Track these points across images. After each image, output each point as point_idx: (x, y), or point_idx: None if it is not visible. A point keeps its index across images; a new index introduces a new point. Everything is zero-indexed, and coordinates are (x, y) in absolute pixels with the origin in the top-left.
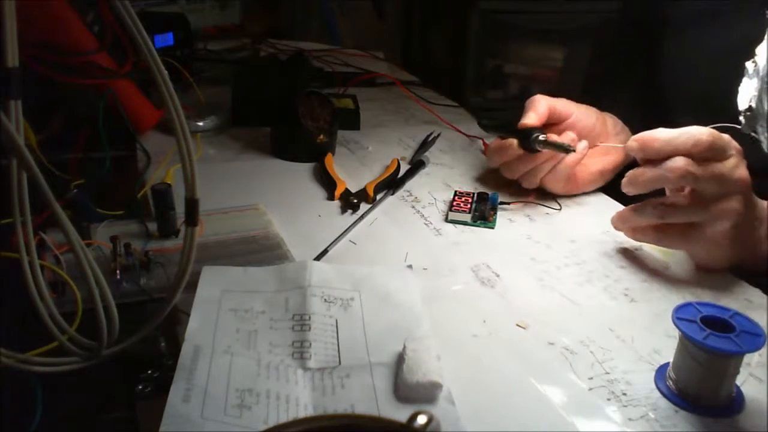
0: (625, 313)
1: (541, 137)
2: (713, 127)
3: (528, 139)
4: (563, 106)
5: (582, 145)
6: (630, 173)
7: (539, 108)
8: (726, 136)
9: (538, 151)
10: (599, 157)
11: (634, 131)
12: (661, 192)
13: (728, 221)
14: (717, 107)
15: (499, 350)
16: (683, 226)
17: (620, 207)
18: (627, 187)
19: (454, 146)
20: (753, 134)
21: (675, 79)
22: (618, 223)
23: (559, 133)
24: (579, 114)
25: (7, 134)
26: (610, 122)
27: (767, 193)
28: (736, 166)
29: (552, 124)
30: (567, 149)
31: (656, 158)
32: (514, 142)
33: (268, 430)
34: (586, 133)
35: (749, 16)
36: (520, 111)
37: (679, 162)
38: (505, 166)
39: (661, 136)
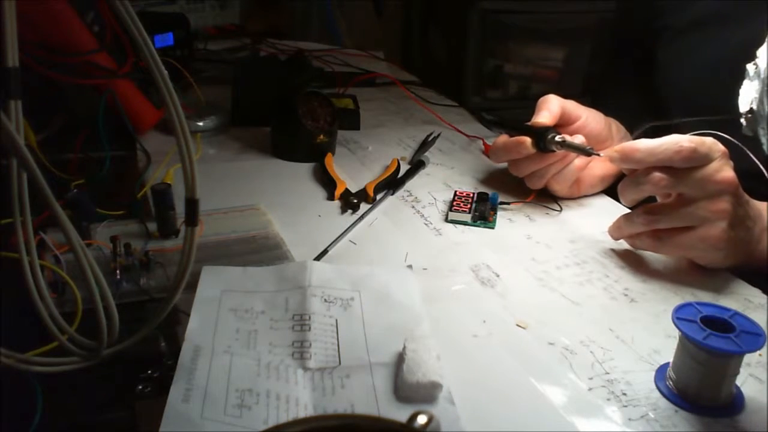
0: (625, 313)
1: (558, 138)
2: (696, 134)
3: (543, 138)
4: (573, 108)
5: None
6: (618, 188)
7: (552, 107)
8: (708, 141)
9: (553, 151)
10: (602, 161)
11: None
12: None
13: (719, 222)
14: (716, 110)
15: (499, 350)
16: (675, 231)
17: (620, 207)
18: (621, 199)
19: (454, 146)
20: (733, 141)
21: (674, 82)
22: (614, 232)
23: (570, 135)
24: (588, 117)
25: (7, 134)
26: (615, 128)
27: (762, 196)
28: (718, 169)
29: (561, 125)
30: (588, 152)
31: (639, 168)
32: (528, 140)
33: (268, 430)
34: (594, 137)
35: (749, 21)
36: (524, 110)
37: (656, 176)
38: (513, 164)
39: (642, 146)
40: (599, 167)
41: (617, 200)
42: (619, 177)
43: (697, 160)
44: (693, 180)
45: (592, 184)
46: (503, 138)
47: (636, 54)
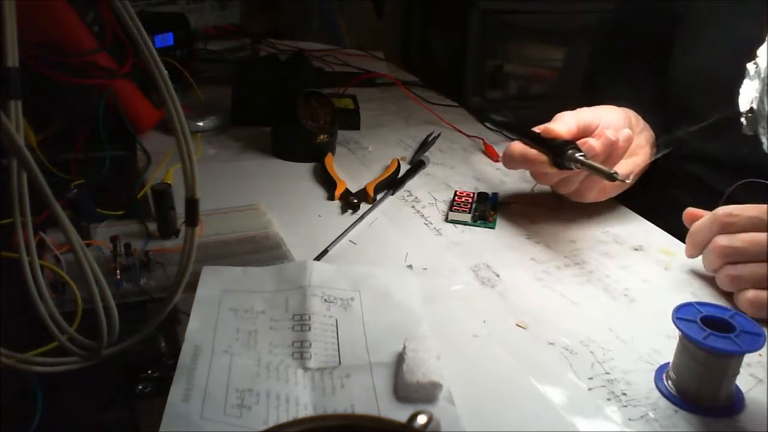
0: (625, 313)
1: (578, 155)
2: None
3: (561, 155)
4: (590, 117)
5: (625, 134)
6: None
7: (568, 121)
8: None
9: (571, 169)
10: (623, 159)
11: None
12: None
13: None
14: (735, 96)
15: (499, 350)
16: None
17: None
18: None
19: (454, 146)
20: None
21: (692, 68)
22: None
23: (597, 137)
24: (605, 119)
25: (7, 134)
26: (633, 119)
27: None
28: None
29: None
30: (612, 177)
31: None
32: (545, 159)
33: (268, 430)
34: None
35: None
36: (524, 110)
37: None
38: (534, 175)
39: (741, 243)
40: (624, 166)
41: (616, 198)
42: (646, 172)
43: None
44: None
45: (618, 185)
46: (520, 147)
47: (644, 44)
